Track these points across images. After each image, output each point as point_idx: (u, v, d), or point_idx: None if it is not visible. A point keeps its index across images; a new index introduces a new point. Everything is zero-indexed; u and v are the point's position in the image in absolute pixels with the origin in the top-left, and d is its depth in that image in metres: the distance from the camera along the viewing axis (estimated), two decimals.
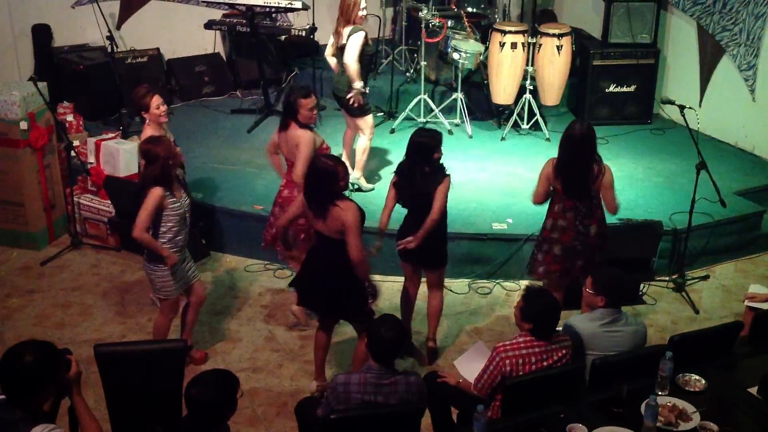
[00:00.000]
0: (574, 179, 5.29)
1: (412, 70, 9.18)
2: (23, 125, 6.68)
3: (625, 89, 8.72)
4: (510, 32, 8.22)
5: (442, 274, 5.59)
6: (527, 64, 8.33)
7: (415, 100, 8.46)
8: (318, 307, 5.20)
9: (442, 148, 5.29)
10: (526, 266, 5.75)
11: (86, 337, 5.84)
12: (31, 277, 6.60)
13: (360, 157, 7.11)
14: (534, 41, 8.34)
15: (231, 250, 6.91)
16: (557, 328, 4.40)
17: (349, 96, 6.77)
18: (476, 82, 8.92)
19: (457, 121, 8.51)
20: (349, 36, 6.68)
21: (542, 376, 4.17)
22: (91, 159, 7.20)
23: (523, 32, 8.28)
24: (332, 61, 7.02)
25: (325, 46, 7.14)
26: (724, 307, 6.38)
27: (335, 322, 5.32)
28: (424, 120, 8.48)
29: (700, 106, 8.46)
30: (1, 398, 3.35)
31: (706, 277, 6.73)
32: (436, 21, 8.26)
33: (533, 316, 4.21)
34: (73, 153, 7.05)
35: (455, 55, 8.03)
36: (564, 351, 4.27)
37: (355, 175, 7.08)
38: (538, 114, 8.42)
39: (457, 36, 8.22)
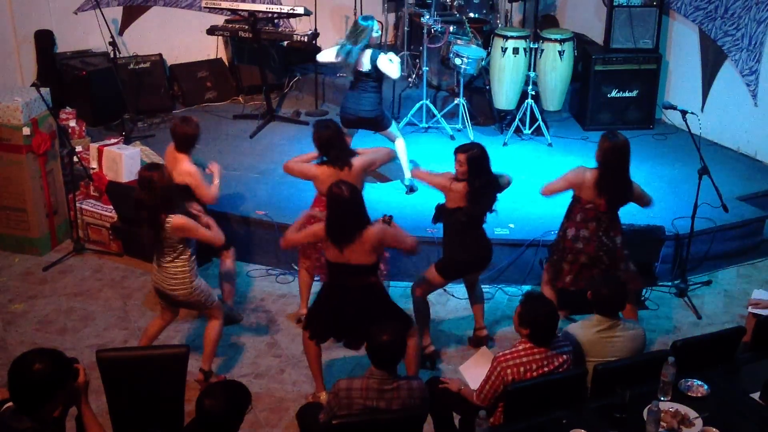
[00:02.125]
0: (618, 192, 5.35)
1: (414, 76, 9.18)
2: (26, 131, 6.69)
3: (627, 94, 8.72)
4: (512, 37, 8.23)
5: None
6: (529, 70, 8.34)
7: (417, 106, 8.47)
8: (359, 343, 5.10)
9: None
10: (551, 275, 5.62)
11: (88, 342, 5.84)
12: (33, 283, 6.61)
13: (405, 158, 7.23)
14: (536, 46, 8.34)
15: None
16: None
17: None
18: (478, 87, 8.93)
19: (459, 126, 8.51)
20: (375, 60, 6.77)
21: (544, 382, 4.17)
22: (94, 164, 7.21)
23: (525, 37, 8.29)
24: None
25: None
26: (726, 312, 6.37)
27: None
28: (426, 125, 8.49)
29: (702, 111, 8.46)
30: (9, 406, 3.34)
31: (708, 283, 6.72)
32: (438, 26, 8.27)
33: (530, 321, 4.22)
34: (75, 158, 7.06)
35: (457, 61, 8.03)
36: (565, 357, 4.27)
37: (409, 176, 7.22)
38: (540, 119, 8.41)
39: (459, 41, 8.22)
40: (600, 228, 5.37)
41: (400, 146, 7.18)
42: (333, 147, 5.63)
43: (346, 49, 6.79)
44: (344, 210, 4.71)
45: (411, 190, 7.22)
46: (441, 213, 5.45)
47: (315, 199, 5.86)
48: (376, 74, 6.85)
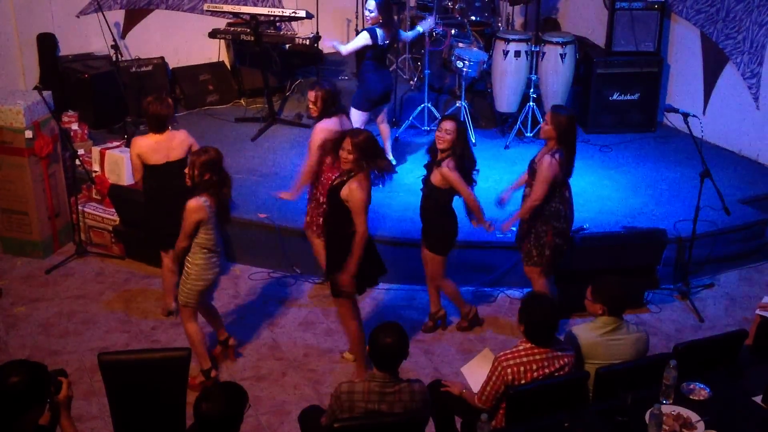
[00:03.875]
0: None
1: (416, 79, 9.20)
2: (28, 134, 6.70)
3: (628, 97, 8.72)
4: (513, 40, 8.24)
5: None
6: (531, 73, 8.34)
7: (419, 108, 8.47)
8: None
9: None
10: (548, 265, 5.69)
11: (90, 345, 5.84)
12: (35, 286, 6.61)
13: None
14: (537, 49, 8.34)
15: (235, 258, 6.91)
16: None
17: None
18: (480, 90, 8.93)
19: None
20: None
21: (546, 385, 4.17)
22: (96, 167, 7.22)
23: (526, 40, 8.30)
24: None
25: (329, 54, 7.27)
26: (728, 315, 6.36)
27: None
28: (428, 128, 8.50)
29: (703, 114, 8.46)
30: None
31: (710, 286, 6.71)
32: (439, 30, 8.28)
33: (527, 317, 4.25)
34: (77, 161, 7.06)
35: (459, 64, 8.04)
36: (566, 359, 4.27)
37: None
38: (541, 122, 8.40)
39: (460, 44, 8.23)
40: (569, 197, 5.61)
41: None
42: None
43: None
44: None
45: None
46: (431, 190, 5.56)
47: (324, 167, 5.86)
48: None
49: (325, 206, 5.43)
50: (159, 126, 5.73)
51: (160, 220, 5.75)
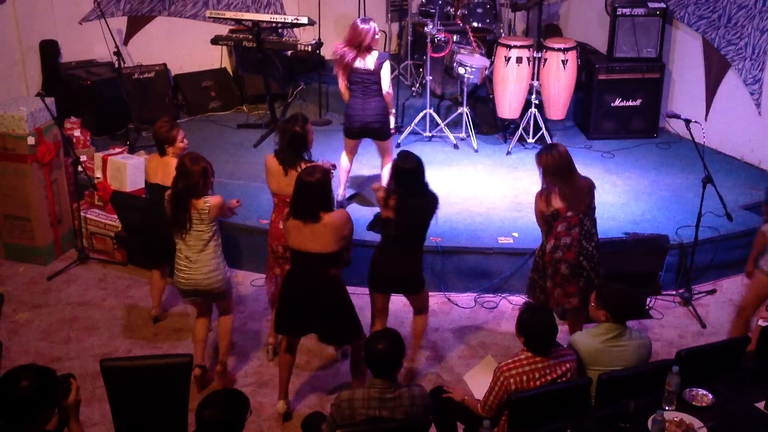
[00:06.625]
0: (577, 193, 5.28)
1: (417, 85, 9.20)
2: (30, 140, 6.71)
3: (630, 103, 8.73)
4: (515, 47, 8.24)
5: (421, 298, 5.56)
6: (532, 79, 8.35)
7: (421, 115, 8.48)
8: (309, 330, 5.13)
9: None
10: (537, 298, 5.46)
11: (93, 351, 5.84)
12: (37, 292, 6.62)
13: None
14: (539, 56, 8.35)
15: (237, 265, 6.91)
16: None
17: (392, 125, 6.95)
18: (482, 96, 8.94)
19: (463, 135, 8.53)
20: (381, 63, 6.62)
21: (548, 392, 4.16)
22: (98, 174, 7.23)
23: (528, 47, 8.30)
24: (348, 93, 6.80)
25: (332, 60, 7.16)
26: (731, 321, 6.35)
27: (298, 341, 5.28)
28: (430, 134, 8.50)
29: (705, 120, 8.46)
30: None
31: (713, 292, 6.71)
32: (441, 36, 8.29)
33: (525, 331, 4.24)
34: (80, 168, 7.08)
35: (460, 70, 8.05)
36: (568, 365, 4.27)
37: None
38: (543, 128, 8.42)
39: (462, 51, 8.24)
40: (581, 233, 5.30)
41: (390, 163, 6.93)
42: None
43: None
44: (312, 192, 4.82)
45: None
46: (377, 221, 5.32)
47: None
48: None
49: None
50: (162, 149, 5.85)
51: (154, 237, 5.88)
